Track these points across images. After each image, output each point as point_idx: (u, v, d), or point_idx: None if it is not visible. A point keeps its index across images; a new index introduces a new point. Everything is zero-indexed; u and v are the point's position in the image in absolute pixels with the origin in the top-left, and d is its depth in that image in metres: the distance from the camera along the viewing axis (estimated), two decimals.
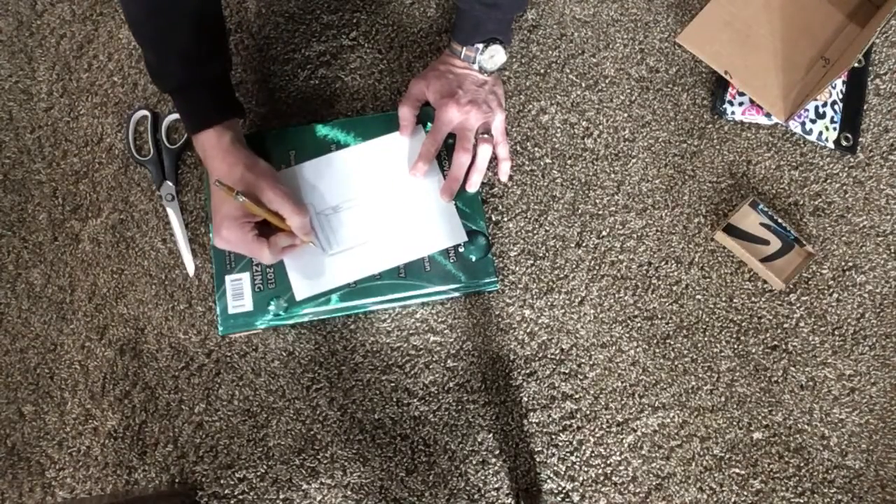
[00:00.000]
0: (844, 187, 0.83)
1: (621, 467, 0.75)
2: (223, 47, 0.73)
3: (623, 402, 0.76)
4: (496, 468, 0.74)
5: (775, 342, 0.78)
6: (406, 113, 0.79)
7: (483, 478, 0.74)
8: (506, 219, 0.81)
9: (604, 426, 0.76)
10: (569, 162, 0.83)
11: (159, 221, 0.80)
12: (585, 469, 0.75)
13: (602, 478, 0.74)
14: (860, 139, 0.85)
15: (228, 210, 0.69)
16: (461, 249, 0.78)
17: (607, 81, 0.86)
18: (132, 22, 0.70)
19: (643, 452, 0.75)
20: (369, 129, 0.81)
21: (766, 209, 0.80)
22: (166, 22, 0.67)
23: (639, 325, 0.78)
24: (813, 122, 0.83)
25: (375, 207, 0.78)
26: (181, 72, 0.69)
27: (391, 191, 0.78)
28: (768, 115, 0.83)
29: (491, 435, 0.75)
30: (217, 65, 0.72)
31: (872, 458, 0.76)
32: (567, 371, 0.77)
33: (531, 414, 0.76)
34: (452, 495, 0.74)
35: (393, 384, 0.76)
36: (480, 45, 0.76)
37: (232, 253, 0.76)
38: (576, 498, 0.74)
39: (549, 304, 0.78)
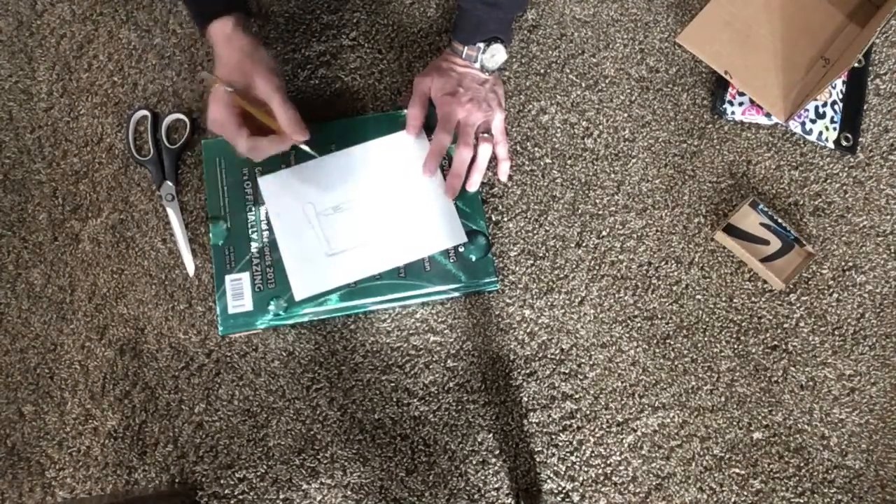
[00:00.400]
0: (844, 187, 0.83)
1: (621, 467, 0.75)
2: None
3: (623, 402, 0.76)
4: (496, 468, 0.74)
5: (775, 342, 0.78)
6: (416, 112, 0.79)
7: (483, 478, 0.74)
8: (506, 219, 0.81)
9: (604, 426, 0.76)
10: (569, 162, 0.83)
11: (159, 221, 0.80)
12: (585, 469, 0.75)
13: (602, 478, 0.74)
14: (860, 139, 0.85)
15: (221, 93, 0.68)
16: (461, 249, 0.78)
17: (607, 81, 0.86)
18: None
19: (643, 452, 0.75)
20: (369, 129, 0.81)
21: (766, 209, 0.80)
22: None
23: (639, 325, 0.78)
24: (813, 122, 0.83)
25: (375, 208, 0.78)
26: None
27: (391, 191, 0.78)
28: (768, 115, 0.83)
29: (491, 435, 0.75)
30: None
31: (872, 458, 0.76)
32: (567, 371, 0.77)
33: (531, 414, 0.76)
34: (452, 495, 0.74)
35: (393, 384, 0.76)
36: (482, 45, 0.76)
37: (232, 253, 0.76)
38: (576, 498, 0.74)
39: (549, 304, 0.78)
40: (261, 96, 0.68)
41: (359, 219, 0.77)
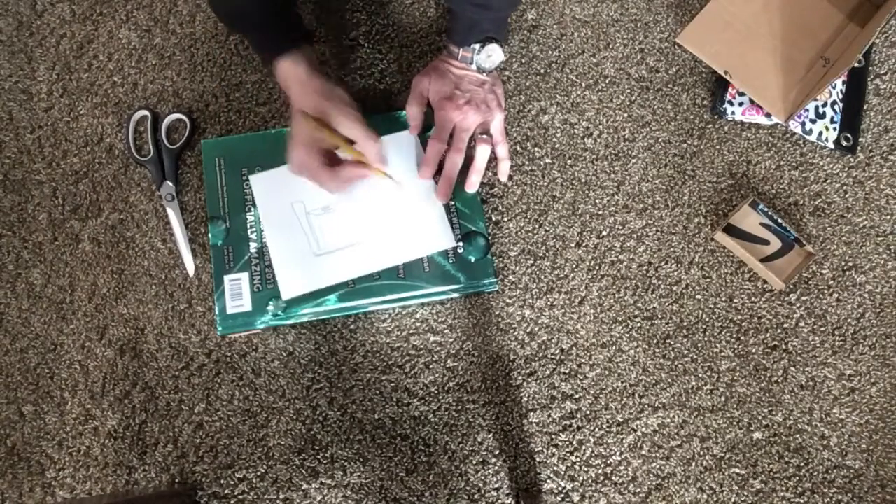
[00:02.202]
0: (844, 187, 0.83)
1: (621, 467, 0.75)
2: None
3: (623, 402, 0.76)
4: (496, 468, 0.74)
5: (775, 342, 0.78)
6: (415, 112, 0.79)
7: (483, 478, 0.74)
8: (506, 219, 0.81)
9: (604, 426, 0.76)
10: (569, 162, 0.83)
11: (159, 221, 0.80)
12: (585, 469, 0.75)
13: (602, 478, 0.74)
14: (860, 139, 0.85)
15: (301, 136, 0.71)
16: (461, 250, 0.78)
17: (607, 81, 0.86)
18: None
19: (643, 452, 0.75)
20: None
21: (766, 209, 0.80)
22: None
23: (639, 325, 0.78)
24: (813, 122, 0.83)
25: (365, 209, 0.78)
26: (253, 6, 0.72)
27: (382, 193, 0.78)
28: (768, 115, 0.83)
29: (491, 435, 0.75)
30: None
31: (872, 458, 0.76)
32: (567, 371, 0.77)
33: (531, 414, 0.76)
34: (452, 495, 0.74)
35: (393, 384, 0.76)
36: (477, 46, 0.75)
37: (231, 253, 0.76)
38: (576, 498, 0.74)
39: (549, 304, 0.78)
40: (343, 132, 0.71)
41: (348, 219, 0.77)
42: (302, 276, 0.75)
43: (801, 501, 0.75)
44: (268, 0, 0.73)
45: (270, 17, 0.73)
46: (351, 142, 0.72)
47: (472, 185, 0.79)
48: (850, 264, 0.81)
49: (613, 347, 0.78)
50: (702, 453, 0.75)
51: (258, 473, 0.74)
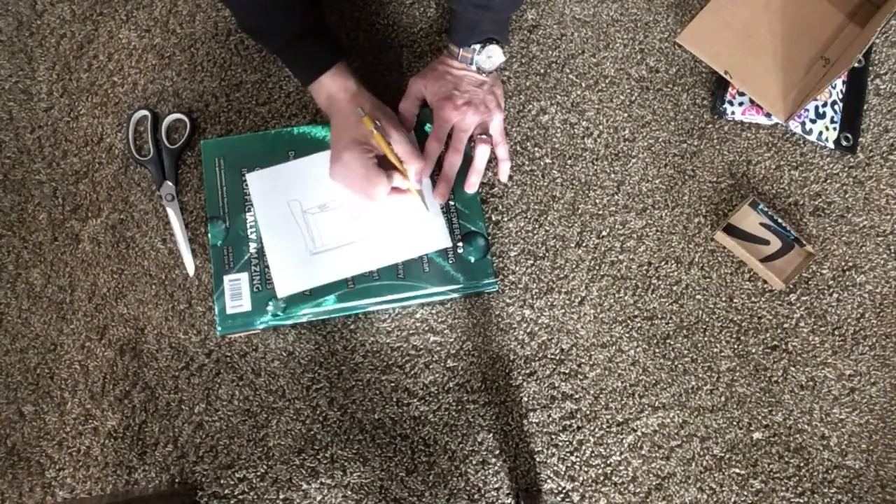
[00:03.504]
0: (844, 187, 0.83)
1: (621, 467, 0.75)
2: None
3: (623, 402, 0.76)
4: (496, 468, 0.74)
5: (775, 342, 0.78)
6: (407, 111, 0.79)
7: (483, 478, 0.74)
8: (506, 219, 0.81)
9: (604, 426, 0.76)
10: (569, 162, 0.83)
11: (159, 221, 0.80)
12: (585, 469, 0.75)
13: (602, 478, 0.74)
14: (860, 139, 0.85)
15: (355, 135, 0.72)
16: (460, 250, 0.78)
17: (607, 81, 0.86)
18: None
19: (643, 452, 0.75)
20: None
21: (766, 209, 0.80)
22: None
23: (639, 325, 0.78)
24: (813, 122, 0.83)
25: (361, 208, 0.78)
26: (289, 22, 0.71)
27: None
28: (768, 115, 0.83)
29: (491, 435, 0.75)
30: (316, 8, 0.74)
31: (872, 458, 0.76)
32: (567, 371, 0.77)
33: (531, 414, 0.76)
34: (452, 495, 0.74)
35: (393, 384, 0.76)
36: (477, 46, 0.76)
37: (231, 253, 0.76)
38: (576, 498, 0.74)
39: (549, 304, 0.78)
40: (396, 147, 0.73)
41: (344, 218, 0.77)
42: (297, 274, 0.75)
43: (801, 501, 0.75)
44: (305, 11, 0.72)
45: (310, 29, 0.72)
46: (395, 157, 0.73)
47: (472, 185, 0.79)
48: (850, 264, 0.81)
49: (613, 347, 0.78)
50: (702, 453, 0.75)
51: (258, 473, 0.74)
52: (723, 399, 0.77)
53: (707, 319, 0.79)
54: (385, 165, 0.74)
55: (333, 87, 0.73)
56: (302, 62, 0.74)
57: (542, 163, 0.83)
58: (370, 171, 0.72)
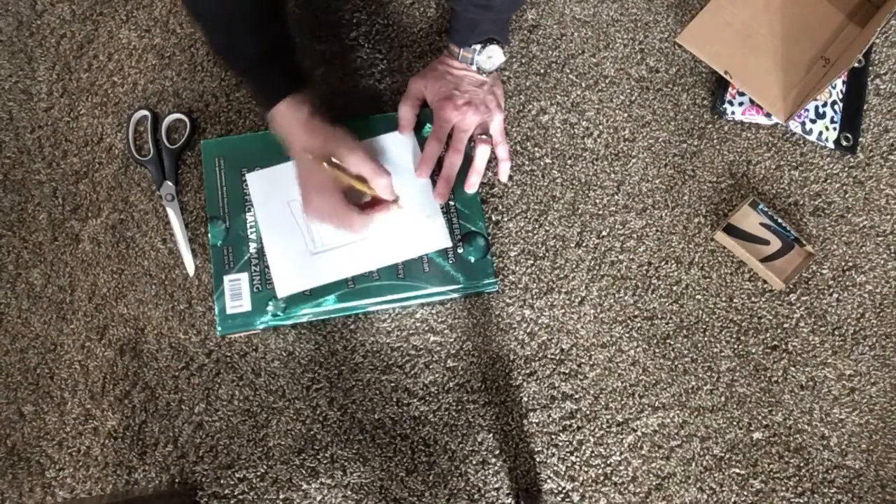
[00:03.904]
0: (844, 187, 0.83)
1: (621, 467, 0.75)
2: (283, 16, 0.73)
3: (623, 402, 0.76)
4: (496, 468, 0.74)
5: (775, 342, 0.78)
6: (406, 112, 0.79)
7: (483, 478, 0.74)
8: (506, 219, 0.81)
9: (604, 426, 0.76)
10: (569, 162, 0.83)
11: (159, 221, 0.80)
12: (585, 469, 0.75)
13: (602, 478, 0.74)
14: (860, 139, 0.85)
15: (317, 181, 0.70)
16: (460, 251, 0.78)
17: (607, 81, 0.86)
18: (199, 9, 0.70)
19: (643, 452, 0.75)
20: (369, 130, 0.81)
21: (766, 209, 0.80)
22: None
23: (639, 325, 0.78)
24: (813, 122, 0.83)
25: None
26: (255, 45, 0.70)
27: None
28: (768, 115, 0.83)
29: (491, 435, 0.75)
30: (283, 34, 0.72)
31: (872, 458, 0.76)
32: (567, 371, 0.77)
33: (531, 414, 0.76)
34: (452, 495, 0.74)
35: (393, 384, 0.76)
36: (477, 46, 0.75)
37: (231, 253, 0.76)
38: (576, 498, 0.74)
39: (549, 304, 0.78)
40: (354, 170, 0.70)
41: None
42: (297, 274, 0.75)
43: (801, 501, 0.75)
44: (269, 39, 0.71)
45: (273, 53, 0.71)
46: (360, 178, 0.72)
47: (472, 185, 0.79)
48: (850, 264, 0.81)
49: (613, 347, 0.78)
50: (702, 453, 0.75)
51: (258, 473, 0.74)
52: (723, 399, 0.77)
53: (707, 319, 0.79)
54: (355, 194, 0.72)
55: (285, 120, 0.71)
56: (260, 89, 0.72)
57: (542, 163, 0.83)
58: (340, 211, 0.70)
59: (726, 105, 0.84)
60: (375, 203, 0.74)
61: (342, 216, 0.71)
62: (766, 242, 0.80)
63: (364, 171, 0.71)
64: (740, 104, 0.83)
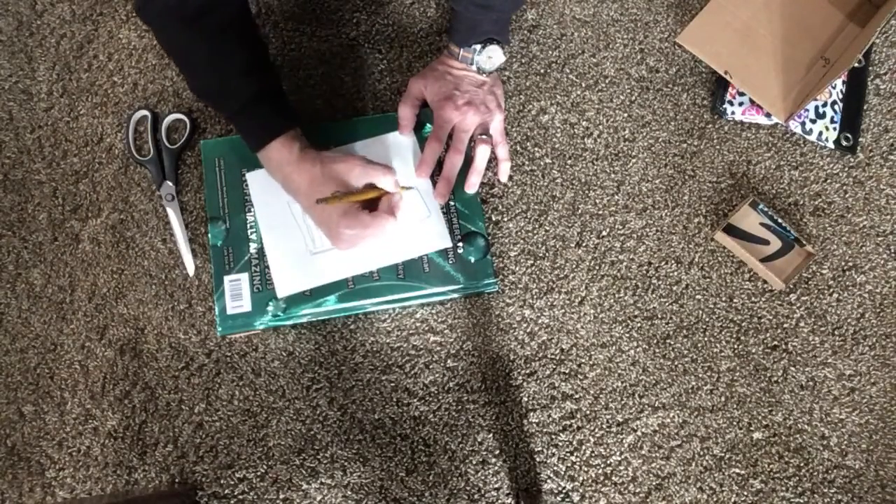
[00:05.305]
0: (844, 187, 0.83)
1: (621, 467, 0.75)
2: (268, 57, 0.75)
3: (623, 402, 0.76)
4: (496, 468, 0.74)
5: (775, 342, 0.78)
6: (406, 112, 0.79)
7: (483, 478, 0.74)
8: (506, 219, 0.81)
9: (604, 426, 0.76)
10: (569, 162, 0.83)
11: (159, 221, 0.80)
12: (585, 469, 0.75)
13: (602, 478, 0.74)
14: (860, 139, 0.85)
15: (339, 213, 0.69)
16: (460, 251, 0.78)
17: (607, 81, 0.86)
18: (185, 54, 0.71)
19: (643, 452, 0.75)
20: (369, 130, 0.81)
21: (766, 209, 0.80)
22: (220, 40, 0.68)
23: (639, 325, 0.78)
24: (813, 122, 0.83)
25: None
26: (245, 86, 0.70)
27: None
28: (768, 115, 0.83)
29: (491, 435, 0.75)
30: (272, 74, 0.74)
31: (872, 458, 0.76)
32: (567, 371, 0.77)
33: (531, 414, 0.76)
34: (452, 495, 0.74)
35: (393, 384, 0.76)
36: (478, 46, 0.76)
37: (231, 253, 0.76)
38: (576, 498, 0.74)
39: (549, 304, 0.78)
40: (357, 183, 0.70)
41: None
42: (297, 275, 0.75)
43: (801, 501, 0.75)
44: (261, 80, 0.71)
45: (263, 95, 0.71)
46: (368, 187, 0.72)
47: (472, 185, 0.79)
48: (850, 264, 0.81)
49: (613, 347, 0.78)
50: (702, 453, 0.75)
51: (258, 473, 0.74)
52: (723, 399, 0.77)
53: (707, 319, 0.79)
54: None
55: (276, 158, 0.71)
56: (251, 130, 0.72)
57: (542, 163, 0.83)
58: (374, 224, 0.69)
59: (726, 105, 0.84)
60: (378, 200, 0.74)
61: (375, 226, 0.70)
62: (766, 242, 0.80)
63: (370, 179, 0.71)
64: (740, 104, 0.83)
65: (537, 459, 0.75)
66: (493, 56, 0.76)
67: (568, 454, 0.75)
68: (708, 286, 0.80)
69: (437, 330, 0.77)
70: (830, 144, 0.83)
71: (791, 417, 0.77)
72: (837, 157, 0.84)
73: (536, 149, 0.83)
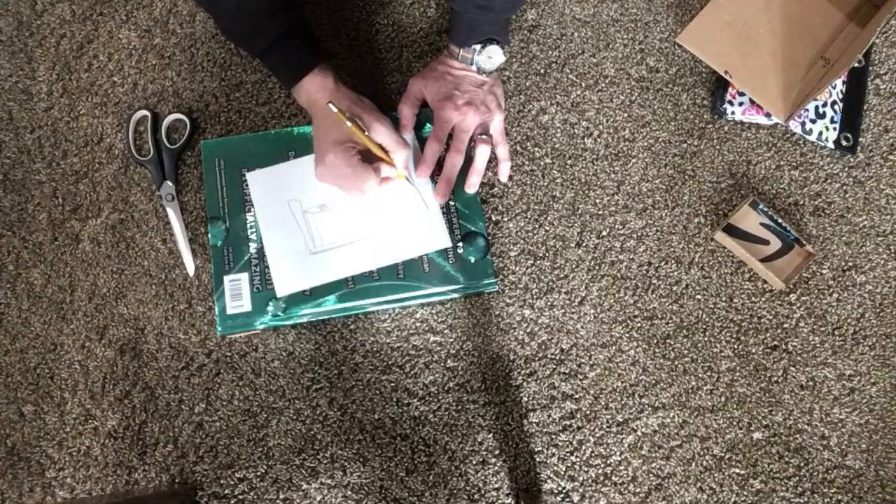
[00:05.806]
0: (844, 187, 0.83)
1: (621, 467, 0.75)
2: (298, 3, 0.76)
3: (623, 402, 0.76)
4: (496, 468, 0.74)
5: (775, 342, 0.78)
6: (406, 111, 0.79)
7: (483, 478, 0.74)
8: (506, 219, 0.81)
9: (604, 426, 0.76)
10: (569, 162, 0.83)
11: (159, 221, 0.80)
12: (585, 469, 0.75)
13: (602, 478, 0.74)
14: (860, 139, 0.85)
15: (335, 136, 0.72)
16: (460, 251, 0.78)
17: (607, 81, 0.86)
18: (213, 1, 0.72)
19: (643, 452, 0.75)
20: None
21: (766, 209, 0.80)
22: None
23: (639, 325, 0.78)
24: (813, 122, 0.83)
25: (362, 208, 0.78)
26: (272, 26, 0.71)
27: (379, 192, 0.78)
28: (768, 115, 0.83)
29: (491, 435, 0.75)
30: (297, 10, 0.75)
31: (872, 458, 0.76)
32: (567, 371, 0.77)
33: (531, 414, 0.76)
34: (452, 495, 0.74)
35: (393, 384, 0.76)
36: (477, 47, 0.76)
37: (231, 253, 0.76)
38: (576, 498, 0.74)
39: (549, 304, 0.78)
40: (376, 138, 0.73)
41: (344, 218, 0.77)
42: (297, 274, 0.75)
43: (801, 501, 0.75)
44: (286, 13, 0.72)
45: (291, 31, 0.73)
46: (379, 147, 0.74)
47: (472, 185, 0.79)
48: (850, 264, 0.81)
49: (613, 347, 0.78)
50: (702, 453, 0.75)
51: (258, 473, 0.74)
52: (723, 399, 0.77)
53: (707, 319, 0.79)
54: (370, 159, 0.74)
55: (312, 88, 0.74)
56: (284, 65, 0.75)
57: (542, 163, 0.83)
58: (356, 168, 0.72)
59: (726, 105, 0.84)
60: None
61: (358, 173, 0.72)
62: (766, 242, 0.80)
63: (387, 142, 0.73)
64: (740, 104, 0.83)
65: (537, 459, 0.75)
66: (493, 56, 0.76)
67: (568, 454, 0.75)
68: (708, 286, 0.80)
69: (437, 330, 0.77)
70: (830, 144, 0.83)
71: (791, 417, 0.77)
72: (837, 157, 0.84)
73: (536, 149, 0.83)
